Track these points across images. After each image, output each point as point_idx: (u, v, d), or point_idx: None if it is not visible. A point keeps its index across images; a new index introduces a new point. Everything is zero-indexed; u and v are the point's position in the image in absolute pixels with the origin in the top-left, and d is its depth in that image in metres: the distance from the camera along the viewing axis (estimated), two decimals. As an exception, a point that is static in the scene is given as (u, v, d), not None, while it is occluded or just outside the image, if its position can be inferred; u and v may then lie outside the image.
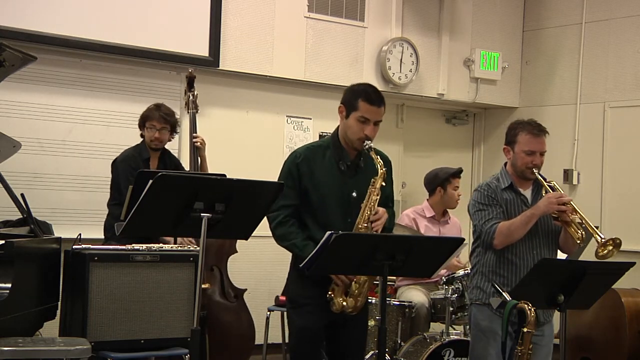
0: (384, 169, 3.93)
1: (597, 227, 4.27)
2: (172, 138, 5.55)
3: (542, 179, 4.26)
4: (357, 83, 4.15)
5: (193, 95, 5.59)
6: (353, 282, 3.91)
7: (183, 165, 5.71)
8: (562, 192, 4.22)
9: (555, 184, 4.27)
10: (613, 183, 7.85)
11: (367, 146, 3.91)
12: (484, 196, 4.28)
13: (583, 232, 4.11)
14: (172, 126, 5.44)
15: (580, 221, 4.14)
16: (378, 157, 3.92)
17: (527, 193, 4.32)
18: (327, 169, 4.00)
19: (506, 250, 4.23)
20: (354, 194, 3.98)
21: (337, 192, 3.98)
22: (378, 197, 3.92)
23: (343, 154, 4.02)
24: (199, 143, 5.51)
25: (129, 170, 5.20)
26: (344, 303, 3.93)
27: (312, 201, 3.98)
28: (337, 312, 3.94)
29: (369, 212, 3.89)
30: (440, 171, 6.06)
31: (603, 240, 4.10)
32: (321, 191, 3.97)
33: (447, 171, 6.03)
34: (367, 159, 3.99)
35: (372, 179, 3.93)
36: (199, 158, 5.53)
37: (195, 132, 5.55)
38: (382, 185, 3.93)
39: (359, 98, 3.94)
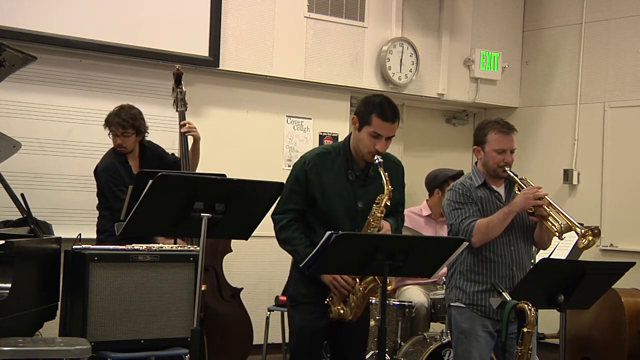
0: (390, 187, 3.89)
1: (597, 227, 4.26)
2: (144, 137, 5.36)
3: (513, 175, 4.28)
4: (373, 95, 4.10)
5: (181, 92, 5.39)
6: (351, 295, 3.91)
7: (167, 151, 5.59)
8: (534, 185, 4.22)
9: (528, 179, 4.28)
10: (613, 183, 7.84)
11: (377, 161, 3.88)
12: (459, 195, 4.28)
13: (561, 225, 4.11)
14: (137, 129, 5.23)
15: (555, 215, 4.14)
16: (386, 174, 3.88)
17: (500, 190, 4.34)
18: (336, 178, 3.98)
19: (484, 248, 4.23)
20: (360, 205, 3.97)
21: (344, 202, 3.97)
22: (382, 215, 3.91)
23: (353, 163, 4.00)
24: (190, 131, 5.27)
25: (111, 180, 5.18)
26: (341, 311, 3.94)
27: (319, 209, 3.98)
28: (334, 320, 3.95)
29: (373, 227, 3.88)
30: (440, 172, 6.07)
31: (582, 231, 4.09)
32: (328, 200, 3.96)
33: (446, 173, 6.03)
34: (376, 169, 3.95)
35: (378, 197, 3.90)
36: (189, 150, 5.34)
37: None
38: (386, 204, 3.89)
39: (372, 113, 3.92)
